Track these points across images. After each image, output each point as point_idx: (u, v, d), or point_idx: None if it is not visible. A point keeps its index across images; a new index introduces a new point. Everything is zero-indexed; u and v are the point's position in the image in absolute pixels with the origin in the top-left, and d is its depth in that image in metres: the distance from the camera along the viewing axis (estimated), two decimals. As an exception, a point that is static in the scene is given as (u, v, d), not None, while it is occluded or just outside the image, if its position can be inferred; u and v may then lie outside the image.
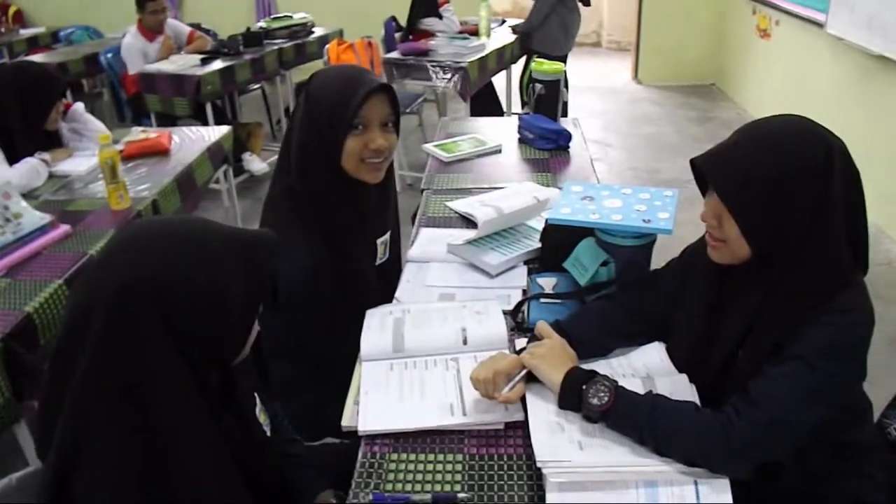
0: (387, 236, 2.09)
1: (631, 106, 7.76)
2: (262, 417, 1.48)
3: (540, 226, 2.13)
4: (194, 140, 3.62)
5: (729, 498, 1.33)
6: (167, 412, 1.13)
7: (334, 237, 1.87)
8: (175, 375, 1.14)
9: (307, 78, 1.93)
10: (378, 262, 2.08)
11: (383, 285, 2.05)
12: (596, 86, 8.45)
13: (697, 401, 1.49)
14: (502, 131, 3.34)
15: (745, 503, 1.37)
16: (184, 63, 5.03)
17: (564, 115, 3.49)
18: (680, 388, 1.54)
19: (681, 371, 1.61)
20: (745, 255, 1.42)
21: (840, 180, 1.38)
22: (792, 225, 1.36)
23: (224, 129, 3.79)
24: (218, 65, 5.04)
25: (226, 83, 5.08)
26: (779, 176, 1.35)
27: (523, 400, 1.55)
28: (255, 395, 1.49)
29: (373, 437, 1.53)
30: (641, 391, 1.46)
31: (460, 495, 1.39)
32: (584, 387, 1.45)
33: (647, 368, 1.62)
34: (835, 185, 1.37)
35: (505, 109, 6.25)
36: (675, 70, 8.35)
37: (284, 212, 1.88)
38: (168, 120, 4.91)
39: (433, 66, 4.95)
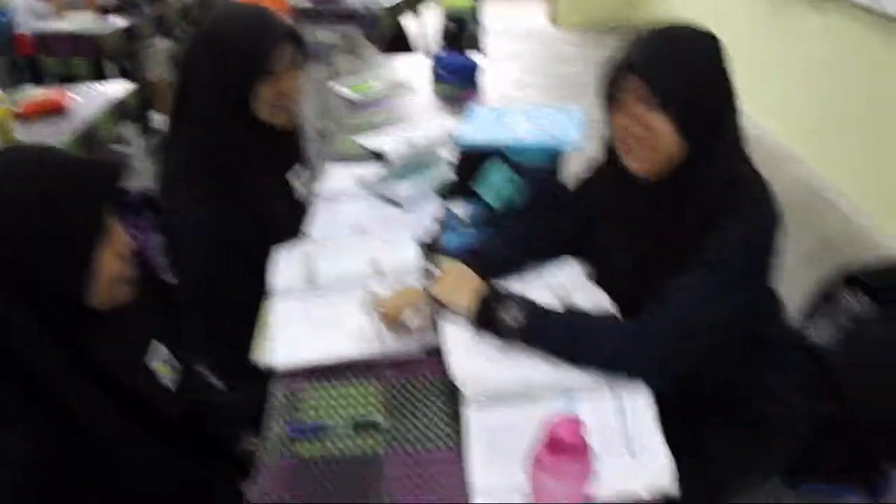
0: (299, 169, 2.04)
1: (548, 48, 7.73)
2: (161, 368, 1.42)
3: (450, 156, 2.09)
4: (95, 97, 3.47)
5: (650, 404, 1.34)
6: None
7: (240, 181, 1.82)
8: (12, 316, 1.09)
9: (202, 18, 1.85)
10: (298, 198, 2.04)
11: (302, 222, 2.00)
12: (513, 29, 8.39)
13: (614, 312, 1.49)
14: (414, 69, 3.28)
15: (670, 412, 1.37)
16: (81, 21, 4.81)
17: (477, 50, 3.44)
18: (597, 301, 1.53)
19: (602, 286, 1.60)
20: (674, 157, 1.40)
21: (732, 81, 1.40)
22: (720, 114, 1.37)
23: (125, 85, 3.65)
24: (119, 22, 4.83)
25: (128, 41, 4.86)
26: (704, 63, 1.36)
27: (440, 324, 1.52)
28: (157, 344, 1.43)
29: (288, 372, 1.50)
30: (557, 307, 1.45)
31: (379, 421, 1.36)
32: (496, 307, 1.42)
33: (562, 284, 1.61)
34: (731, 84, 1.38)
35: (417, 49, 6.15)
36: (593, 12, 8.33)
37: (183, 161, 1.81)
38: (68, 82, 4.69)
39: (343, 14, 4.83)
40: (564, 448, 0.92)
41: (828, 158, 4.47)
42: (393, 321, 1.50)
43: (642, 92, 1.38)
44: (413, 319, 1.49)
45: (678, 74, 1.34)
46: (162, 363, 1.42)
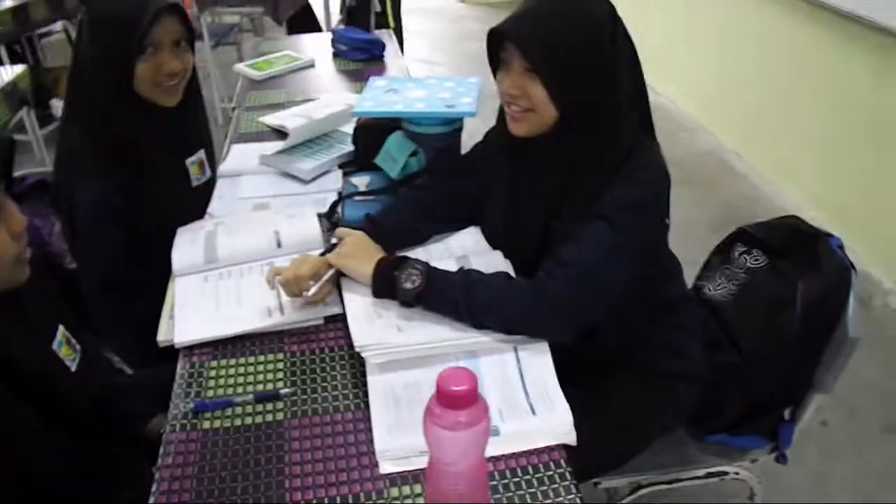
0: (199, 155, 2.00)
1: (455, 24, 7.75)
2: (63, 351, 1.40)
3: (350, 130, 2.10)
4: (-14, 82, 3.38)
5: (548, 359, 1.38)
6: None
7: (134, 163, 1.78)
8: None
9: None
10: (197, 182, 2.00)
11: (206, 206, 1.98)
12: (420, 6, 8.37)
13: (512, 272, 1.52)
14: (316, 46, 3.27)
15: (577, 367, 1.41)
16: (-33, 2, 4.63)
17: (379, 26, 3.44)
18: (495, 264, 1.56)
19: (496, 250, 1.63)
20: (551, 120, 1.42)
21: (622, 44, 1.42)
22: (592, 80, 1.38)
23: (19, 68, 3.55)
24: (8, 2, 4.64)
25: (19, 22, 4.68)
26: (579, 34, 1.37)
27: (340, 293, 1.54)
28: (59, 327, 1.41)
29: (191, 348, 1.49)
30: (455, 269, 1.47)
31: (282, 391, 1.37)
32: (395, 273, 1.44)
33: (462, 249, 1.64)
34: (620, 47, 1.41)
35: (323, 28, 6.11)
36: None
37: (78, 142, 1.77)
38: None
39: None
40: (454, 397, 0.94)
41: (733, 128, 4.60)
42: (292, 290, 1.51)
43: (516, 57, 1.41)
44: (312, 287, 1.50)
45: (547, 40, 1.36)
46: (65, 346, 1.41)
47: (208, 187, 2.05)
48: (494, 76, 1.50)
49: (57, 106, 5.01)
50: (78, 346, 1.45)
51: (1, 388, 1.20)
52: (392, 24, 4.08)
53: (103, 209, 1.73)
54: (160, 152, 1.86)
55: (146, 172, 1.81)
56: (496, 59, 1.49)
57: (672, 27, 5.21)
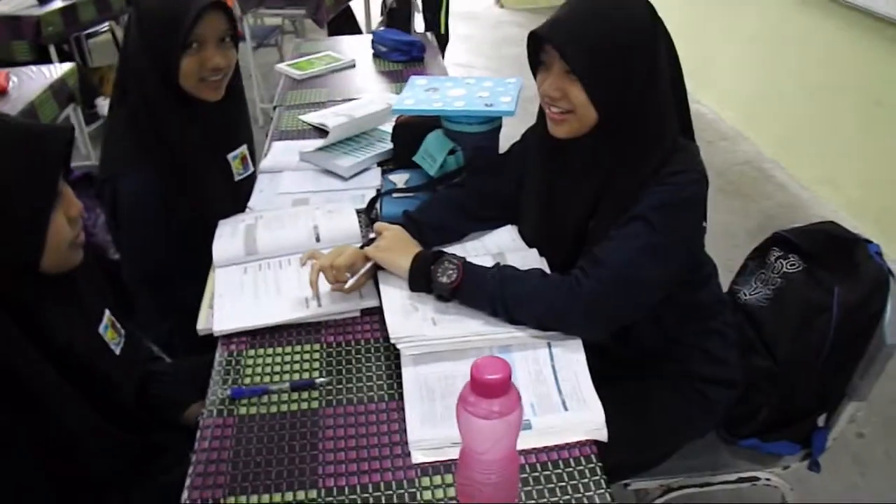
0: (241, 150, 2.04)
1: (494, 30, 7.76)
2: (108, 335, 1.43)
3: (390, 129, 2.12)
4: (34, 78, 3.44)
5: (582, 356, 1.38)
6: None
7: (178, 157, 1.82)
8: None
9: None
10: (238, 177, 2.04)
11: (246, 201, 2.02)
12: (459, 11, 8.39)
13: (547, 270, 1.53)
14: (357, 47, 3.30)
15: (609, 370, 1.41)
16: (18, 3, 4.71)
17: (428, 28, 3.45)
18: (530, 261, 1.57)
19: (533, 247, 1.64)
20: (591, 122, 1.43)
21: (663, 47, 1.43)
22: (632, 83, 1.39)
23: (67, 66, 3.62)
24: (58, 3, 4.74)
25: (68, 23, 4.78)
26: (620, 36, 1.37)
27: (377, 286, 1.56)
28: (106, 312, 1.45)
29: (229, 337, 1.52)
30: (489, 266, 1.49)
31: (318, 380, 1.39)
32: (432, 267, 1.46)
33: (498, 247, 1.65)
34: (661, 49, 1.42)
35: (364, 30, 6.16)
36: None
37: (122, 135, 1.81)
38: (9, 66, 4.60)
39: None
40: (488, 385, 0.95)
41: (773, 135, 4.57)
42: (329, 277, 1.53)
43: (557, 59, 1.42)
44: (350, 280, 1.53)
45: (587, 42, 1.36)
46: (110, 329, 1.44)
47: (250, 182, 2.08)
48: (535, 78, 1.51)
49: (102, 105, 5.11)
50: (122, 331, 1.48)
51: (54, 373, 1.23)
52: (442, 27, 4.09)
53: (145, 200, 1.77)
54: (203, 146, 1.90)
55: (188, 166, 1.84)
56: (536, 61, 1.49)
57: (712, 35, 5.18)
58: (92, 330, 1.40)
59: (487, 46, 7.14)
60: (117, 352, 1.44)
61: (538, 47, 1.47)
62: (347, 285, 1.53)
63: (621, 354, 1.58)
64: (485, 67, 6.49)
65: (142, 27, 1.75)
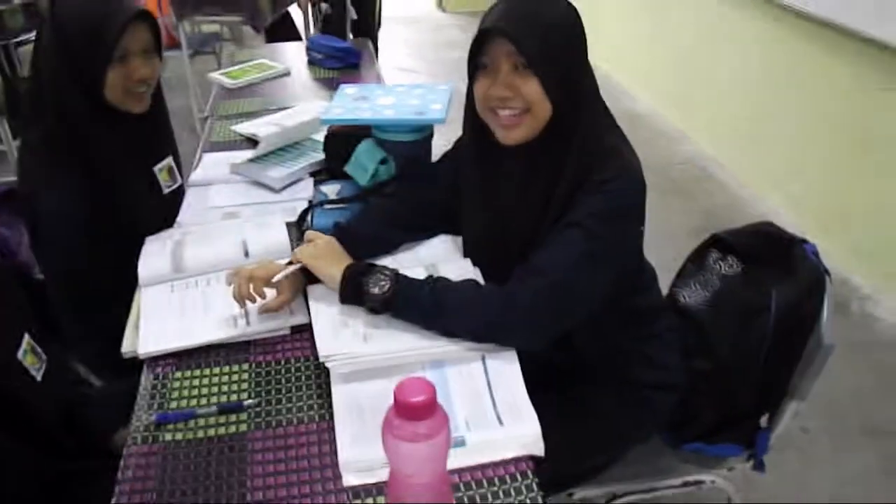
0: (167, 161, 1.98)
1: (436, 33, 7.74)
2: (28, 360, 1.38)
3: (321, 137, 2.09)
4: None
5: (517, 368, 1.35)
6: None
7: (101, 171, 1.76)
8: None
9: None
10: (167, 189, 1.99)
11: (176, 213, 1.96)
12: (400, 15, 8.37)
13: (481, 280, 1.50)
14: (292, 55, 3.26)
15: (547, 378, 1.39)
16: (-61, 14, 4.58)
17: (357, 34, 3.43)
18: (464, 271, 1.54)
19: (476, 261, 1.61)
20: (545, 120, 1.40)
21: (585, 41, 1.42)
22: (581, 72, 1.38)
23: (-8, 79, 3.51)
24: (-20, 11, 4.62)
25: (-8, 32, 4.67)
26: (565, 25, 1.37)
27: (307, 302, 1.52)
28: (25, 336, 1.39)
29: (155, 359, 1.47)
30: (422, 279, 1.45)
31: (246, 402, 1.35)
32: (363, 279, 1.42)
33: (431, 257, 1.62)
34: (585, 42, 1.41)
35: (303, 37, 6.08)
36: (479, -4, 8.37)
37: (41, 151, 1.75)
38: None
39: (225, 3, 4.71)
40: (412, 408, 0.92)
41: (713, 135, 4.61)
42: (243, 290, 1.48)
43: (507, 55, 1.38)
44: (271, 294, 1.50)
45: (541, 33, 1.34)
46: (30, 354, 1.39)
47: (179, 195, 2.03)
48: (476, 81, 1.46)
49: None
50: (44, 356, 1.43)
51: None
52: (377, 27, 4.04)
53: (67, 218, 1.71)
54: (127, 159, 1.84)
55: (114, 180, 1.79)
56: (475, 66, 1.46)
57: (649, 31, 5.23)
58: (8, 355, 1.34)
59: (428, 50, 7.12)
60: (38, 377, 1.38)
61: (478, 51, 1.43)
62: (268, 299, 1.50)
63: (561, 361, 1.56)
64: (425, 72, 6.46)
65: (59, 39, 1.68)
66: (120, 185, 1.80)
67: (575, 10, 1.41)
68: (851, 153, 3.39)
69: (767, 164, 4.05)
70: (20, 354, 1.36)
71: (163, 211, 1.93)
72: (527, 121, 1.41)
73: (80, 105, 1.71)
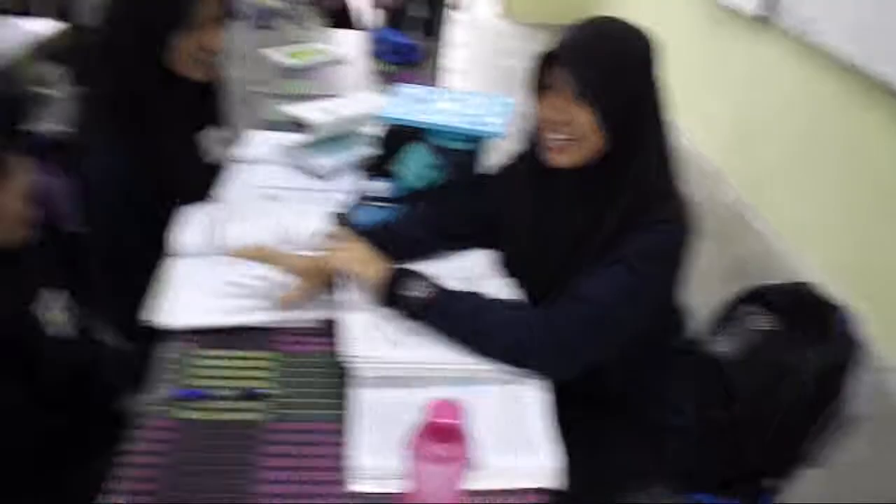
0: (218, 131, 1.98)
1: (496, 41, 7.74)
2: (55, 317, 1.36)
3: (375, 132, 2.07)
4: (18, 33, 3.35)
5: (545, 395, 1.34)
6: None
7: (155, 135, 1.75)
8: None
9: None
10: (211, 160, 1.98)
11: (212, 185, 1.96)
12: (465, 19, 8.35)
13: (519, 301, 1.48)
14: (353, 43, 3.25)
15: (571, 408, 1.37)
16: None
17: (428, 33, 3.43)
18: (501, 291, 1.52)
19: (513, 277, 1.59)
20: (594, 151, 1.39)
21: (659, 85, 1.40)
22: (640, 111, 1.36)
23: (54, 24, 3.51)
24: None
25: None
26: (632, 64, 1.36)
27: (337, 299, 1.50)
28: (53, 293, 1.38)
29: (177, 333, 1.45)
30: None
31: (264, 391, 1.33)
32: (402, 282, 1.41)
33: (468, 272, 1.59)
34: (657, 82, 1.39)
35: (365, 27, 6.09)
36: (545, 8, 8.33)
37: (100, 110, 1.74)
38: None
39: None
40: (440, 431, 0.91)
41: (752, 180, 4.56)
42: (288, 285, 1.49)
43: (567, 82, 1.37)
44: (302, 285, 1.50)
45: (601, 66, 1.33)
46: (58, 311, 1.38)
47: (216, 166, 2.02)
48: (535, 101, 1.46)
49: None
50: (69, 314, 1.42)
51: None
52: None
53: (116, 178, 1.71)
54: (181, 124, 1.84)
55: (164, 143, 1.78)
56: (540, 84, 1.44)
57: (704, 71, 5.19)
58: (26, 308, 1.33)
59: (485, 56, 7.11)
60: (56, 332, 1.37)
61: (543, 69, 1.42)
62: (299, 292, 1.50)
63: (580, 391, 1.54)
64: (480, 78, 6.46)
65: (129, 5, 1.69)
66: (165, 151, 1.80)
67: (648, 44, 1.39)
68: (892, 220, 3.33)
69: (806, 221, 3.99)
70: (44, 312, 1.34)
71: (200, 182, 1.93)
72: (574, 148, 1.41)
73: (147, 69, 1.71)
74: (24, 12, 4.40)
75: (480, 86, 6.23)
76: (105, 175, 1.71)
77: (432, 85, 2.85)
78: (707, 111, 5.11)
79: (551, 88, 1.42)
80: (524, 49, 7.25)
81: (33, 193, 1.22)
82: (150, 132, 1.74)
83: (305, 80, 2.78)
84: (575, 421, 1.40)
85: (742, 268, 3.71)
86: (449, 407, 0.92)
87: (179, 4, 1.66)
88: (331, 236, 1.60)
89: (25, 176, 1.19)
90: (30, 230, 1.24)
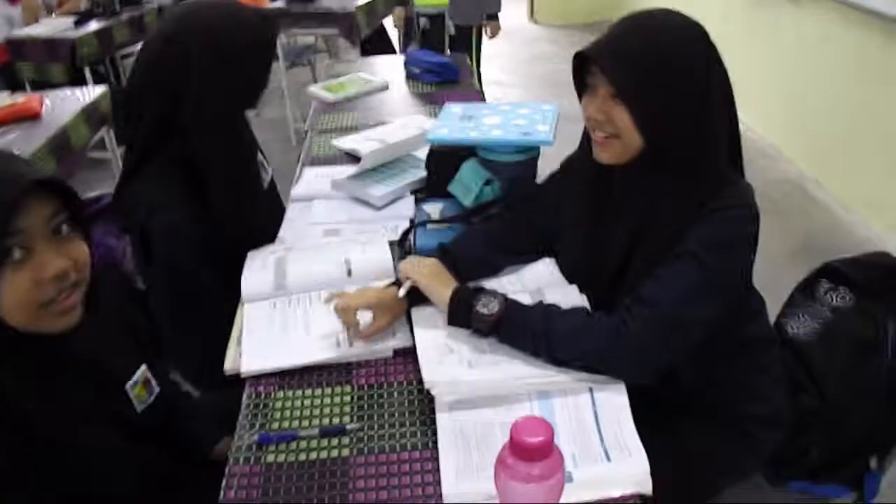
0: (259, 157, 1.98)
1: (527, 46, 7.74)
2: (136, 391, 1.35)
3: (424, 156, 2.08)
4: (68, 102, 3.44)
5: (625, 402, 1.32)
6: None
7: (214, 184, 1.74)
8: None
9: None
10: (265, 184, 2.00)
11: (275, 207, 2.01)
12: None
13: (588, 308, 1.47)
14: (390, 69, 3.27)
15: (652, 409, 1.35)
16: (55, 26, 4.75)
17: (452, 48, 3.44)
18: (571, 298, 1.51)
19: (572, 283, 1.57)
20: (636, 148, 1.38)
21: (716, 74, 1.37)
22: (681, 110, 1.33)
23: (100, 89, 3.62)
24: (93, 26, 4.78)
25: (104, 45, 4.82)
26: (670, 61, 1.32)
27: (410, 326, 1.51)
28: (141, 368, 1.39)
29: (258, 378, 1.47)
30: (531, 304, 1.43)
31: (349, 426, 1.34)
32: (473, 301, 1.41)
33: (536, 282, 1.59)
34: (713, 78, 1.36)
35: (398, 50, 6.14)
36: (572, 9, 8.33)
37: (156, 170, 1.73)
38: (45, 89, 4.63)
39: (320, 15, 4.79)
40: (528, 449, 0.90)
41: (811, 153, 4.47)
42: (347, 319, 1.49)
43: (603, 82, 1.37)
44: (368, 319, 1.50)
45: (636, 65, 1.31)
46: (140, 385, 1.37)
47: (274, 187, 2.06)
48: (580, 100, 1.46)
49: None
50: (155, 388, 1.41)
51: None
52: (473, 59, 4.11)
53: (183, 237, 1.69)
54: (245, 160, 1.85)
55: (234, 186, 1.77)
56: (582, 83, 1.44)
57: (750, 50, 5.11)
58: (119, 385, 1.33)
59: (520, 63, 7.12)
60: (139, 408, 1.36)
61: (584, 69, 1.42)
62: (364, 326, 1.50)
63: (660, 392, 1.52)
64: (518, 85, 6.46)
65: (222, 59, 1.66)
66: (239, 192, 1.79)
67: (697, 38, 1.36)
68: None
69: (872, 187, 3.90)
70: (129, 384, 1.34)
71: (268, 207, 1.95)
72: (615, 145, 1.40)
73: (237, 118, 1.75)
74: (77, 82, 4.56)
75: (521, 93, 6.23)
76: (174, 236, 1.68)
77: (476, 99, 2.85)
78: (758, 89, 5.04)
79: (591, 87, 1.41)
80: (557, 52, 7.24)
81: (56, 280, 1.12)
82: (210, 182, 1.74)
83: (349, 111, 2.80)
84: (656, 421, 1.38)
85: (810, 244, 3.63)
86: (535, 423, 0.91)
87: (267, 52, 1.74)
88: (403, 261, 1.60)
89: (46, 263, 1.09)
90: (65, 317, 1.15)
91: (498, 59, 7.23)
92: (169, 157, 1.71)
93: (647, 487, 1.19)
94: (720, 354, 1.52)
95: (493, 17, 4.31)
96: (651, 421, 1.32)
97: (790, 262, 3.40)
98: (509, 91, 6.27)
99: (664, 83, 1.32)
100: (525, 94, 6.21)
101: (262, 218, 1.89)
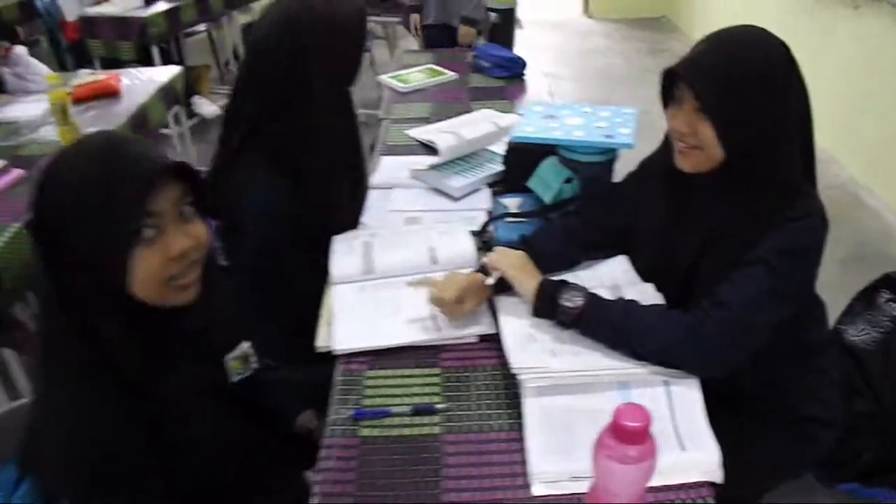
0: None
1: (581, 39, 7.74)
2: (233, 364, 1.43)
3: (500, 150, 2.15)
4: (144, 81, 3.54)
5: (699, 396, 1.39)
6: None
7: (312, 173, 1.84)
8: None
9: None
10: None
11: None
12: (547, 20, 8.39)
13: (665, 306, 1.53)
14: (456, 61, 3.33)
15: (712, 406, 1.41)
16: (125, 5, 4.86)
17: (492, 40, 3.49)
18: (647, 296, 1.57)
19: (645, 282, 1.64)
20: (717, 160, 1.43)
21: (795, 89, 1.42)
22: (762, 126, 1.38)
23: (175, 70, 3.73)
24: (162, 5, 4.89)
25: (171, 24, 4.94)
26: (754, 79, 1.37)
27: (494, 313, 1.58)
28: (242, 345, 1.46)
29: (349, 356, 1.56)
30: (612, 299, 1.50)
31: (438, 406, 1.42)
32: (556, 293, 1.48)
33: (613, 279, 1.65)
34: (792, 92, 1.41)
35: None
36: (626, 3, 8.31)
37: (252, 153, 1.81)
38: (113, 66, 4.75)
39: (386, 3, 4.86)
40: (628, 432, 0.98)
41: (863, 158, 4.46)
42: (442, 306, 1.57)
43: (689, 97, 1.42)
44: (459, 304, 1.57)
45: (720, 81, 1.37)
46: (240, 360, 1.44)
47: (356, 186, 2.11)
48: (664, 110, 1.52)
49: (198, 103, 5.25)
50: (253, 365, 1.47)
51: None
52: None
53: (276, 218, 1.79)
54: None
55: (325, 180, 1.87)
56: (669, 95, 1.50)
57: (804, 55, 5.08)
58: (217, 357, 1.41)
59: (573, 56, 7.12)
60: (233, 378, 1.43)
61: (671, 81, 1.48)
62: (455, 310, 1.58)
63: (723, 390, 1.58)
64: (571, 78, 6.48)
65: (333, 36, 1.77)
66: (327, 185, 1.89)
67: (777, 55, 1.41)
68: None
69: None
70: (229, 357, 1.41)
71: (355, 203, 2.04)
72: (698, 155, 1.45)
73: (339, 97, 1.84)
74: (143, 59, 4.68)
75: (573, 86, 6.25)
76: (266, 217, 1.78)
77: (543, 94, 2.91)
78: (812, 94, 5.01)
79: (677, 99, 1.47)
80: (610, 47, 7.24)
81: (185, 254, 1.20)
82: (307, 170, 1.83)
83: (421, 101, 2.87)
84: (717, 417, 1.45)
85: (861, 251, 3.63)
86: (636, 410, 0.99)
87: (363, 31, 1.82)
88: (483, 254, 1.68)
89: (176, 241, 1.17)
90: (184, 293, 1.23)
91: (552, 50, 7.25)
92: (260, 150, 1.80)
93: (717, 476, 1.27)
94: (781, 356, 1.57)
95: (469, 21, 3.98)
96: (712, 415, 1.39)
97: (842, 269, 3.43)
98: (563, 84, 6.28)
99: (748, 100, 1.37)
100: (578, 88, 6.24)
101: (351, 206, 1.97)
